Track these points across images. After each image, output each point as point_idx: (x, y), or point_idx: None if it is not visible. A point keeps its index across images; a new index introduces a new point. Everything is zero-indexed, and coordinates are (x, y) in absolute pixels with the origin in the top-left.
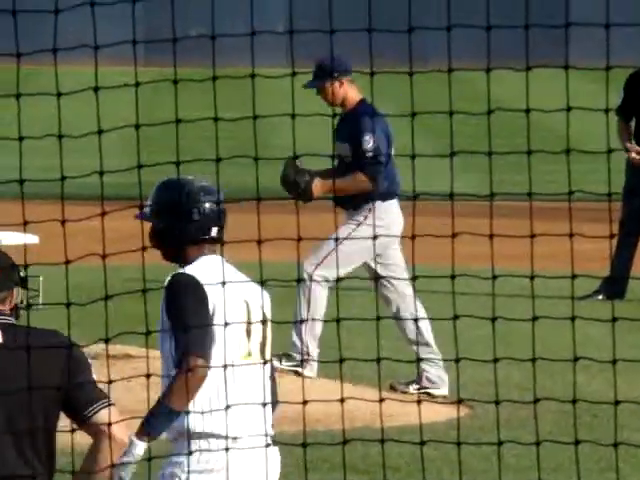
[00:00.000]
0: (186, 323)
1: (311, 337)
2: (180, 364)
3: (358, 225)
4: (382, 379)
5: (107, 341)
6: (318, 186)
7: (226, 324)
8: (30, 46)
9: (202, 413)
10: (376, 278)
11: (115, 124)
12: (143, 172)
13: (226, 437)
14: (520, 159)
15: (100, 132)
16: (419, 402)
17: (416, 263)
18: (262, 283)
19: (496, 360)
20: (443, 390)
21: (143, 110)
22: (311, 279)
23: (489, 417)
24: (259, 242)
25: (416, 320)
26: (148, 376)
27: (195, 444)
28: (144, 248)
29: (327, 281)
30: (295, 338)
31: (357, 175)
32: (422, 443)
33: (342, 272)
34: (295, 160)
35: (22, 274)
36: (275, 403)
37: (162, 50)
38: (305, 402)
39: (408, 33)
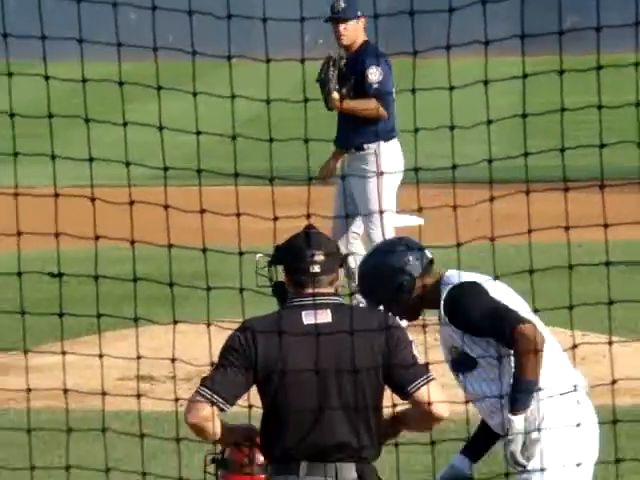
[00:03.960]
0: (494, 307)
1: None
2: (514, 340)
3: (377, 171)
4: None
5: None
6: (335, 100)
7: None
8: (424, 44)
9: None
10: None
11: (494, 112)
12: (529, 158)
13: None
14: None
15: (489, 122)
16: None
17: None
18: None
19: None
20: None
21: (518, 98)
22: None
23: None
24: None
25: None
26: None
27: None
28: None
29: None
30: None
31: (371, 100)
32: None
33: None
34: (330, 63)
35: (341, 256)
36: None
37: (537, 40)
38: None
39: None
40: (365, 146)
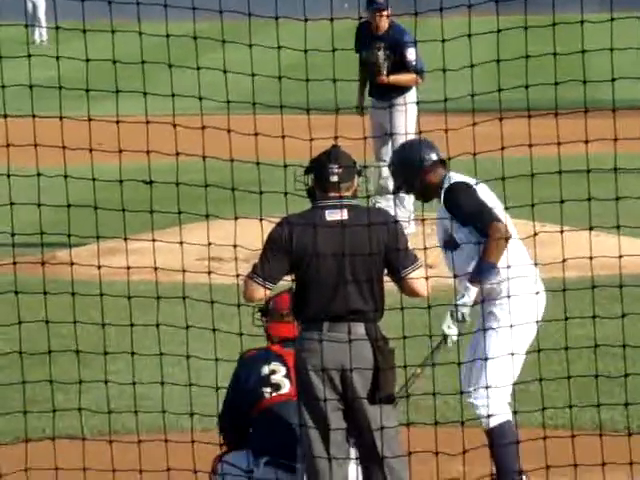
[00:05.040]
0: (479, 204)
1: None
2: (488, 232)
3: (405, 110)
4: None
5: None
6: (384, 78)
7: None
8: (423, 7)
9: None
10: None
11: (475, 58)
12: (502, 93)
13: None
14: None
15: (472, 66)
16: None
17: None
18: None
19: None
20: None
21: (494, 47)
22: None
23: None
24: None
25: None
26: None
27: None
28: None
29: None
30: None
31: (413, 75)
32: None
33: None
34: (379, 51)
35: (359, 167)
36: None
37: (508, 4)
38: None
39: None
40: (397, 97)
